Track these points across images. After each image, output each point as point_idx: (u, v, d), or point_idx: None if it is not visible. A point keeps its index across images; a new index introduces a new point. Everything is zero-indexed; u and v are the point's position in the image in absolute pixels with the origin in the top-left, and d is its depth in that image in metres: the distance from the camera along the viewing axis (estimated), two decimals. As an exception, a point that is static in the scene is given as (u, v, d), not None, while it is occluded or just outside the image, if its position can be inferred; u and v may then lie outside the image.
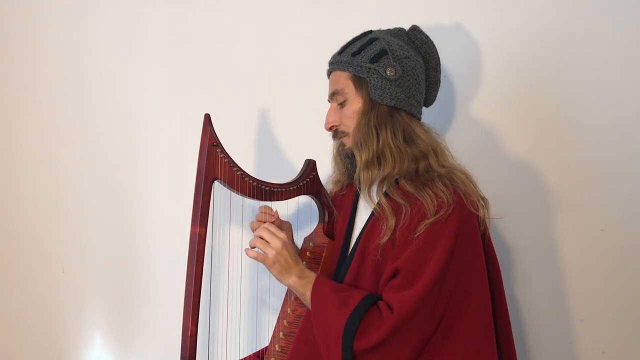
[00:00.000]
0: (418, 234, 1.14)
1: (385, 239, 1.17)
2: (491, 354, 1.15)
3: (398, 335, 1.09)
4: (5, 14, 2.00)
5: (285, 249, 1.21)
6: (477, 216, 1.18)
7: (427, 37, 1.33)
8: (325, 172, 1.43)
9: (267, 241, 1.22)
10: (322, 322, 1.15)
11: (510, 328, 1.27)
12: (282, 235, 1.22)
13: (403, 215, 1.17)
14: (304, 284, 1.21)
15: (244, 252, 1.22)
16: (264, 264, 1.22)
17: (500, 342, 1.23)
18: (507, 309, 1.27)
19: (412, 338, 1.10)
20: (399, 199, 1.19)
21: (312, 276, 1.22)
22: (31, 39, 1.98)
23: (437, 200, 1.15)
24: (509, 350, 1.26)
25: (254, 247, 1.23)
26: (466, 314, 1.14)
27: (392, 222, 1.18)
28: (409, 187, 1.19)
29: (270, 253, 1.21)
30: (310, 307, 1.19)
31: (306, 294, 1.20)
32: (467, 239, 1.16)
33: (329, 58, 1.34)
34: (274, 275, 1.23)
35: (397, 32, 1.34)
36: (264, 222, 1.30)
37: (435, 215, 1.14)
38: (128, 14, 1.88)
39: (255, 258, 1.22)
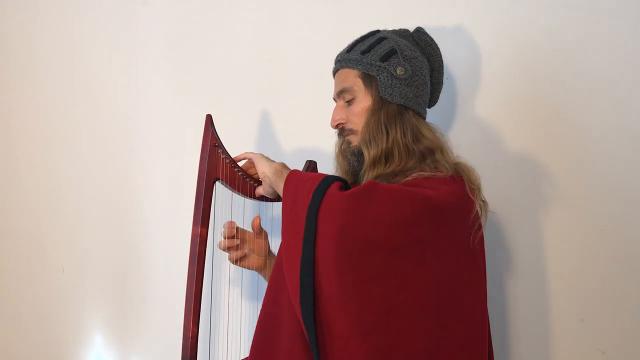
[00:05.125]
0: (409, 179, 1.15)
1: None
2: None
3: (369, 204, 1.05)
4: (3, 14, 2.00)
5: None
6: (474, 204, 1.15)
7: (432, 39, 1.34)
8: (326, 172, 1.43)
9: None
10: (299, 181, 1.15)
11: (487, 335, 1.21)
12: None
13: None
14: (287, 169, 1.24)
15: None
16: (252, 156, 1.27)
17: (472, 344, 1.16)
18: (486, 311, 1.21)
19: (380, 228, 1.05)
20: (396, 179, 1.20)
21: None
22: (30, 40, 1.98)
23: (436, 170, 1.17)
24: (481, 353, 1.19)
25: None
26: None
27: None
28: (408, 174, 1.20)
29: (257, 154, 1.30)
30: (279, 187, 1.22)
31: (284, 172, 1.22)
32: (457, 216, 1.13)
33: (330, 58, 1.34)
34: (260, 163, 1.26)
35: (402, 33, 1.34)
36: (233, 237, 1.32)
37: (432, 173, 1.15)
38: (127, 14, 1.88)
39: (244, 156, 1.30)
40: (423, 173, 1.15)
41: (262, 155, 1.29)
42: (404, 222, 1.06)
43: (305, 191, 1.09)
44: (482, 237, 1.21)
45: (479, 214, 1.19)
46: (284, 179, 1.19)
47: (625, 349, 1.42)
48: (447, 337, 1.09)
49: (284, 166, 1.25)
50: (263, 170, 1.25)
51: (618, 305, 1.43)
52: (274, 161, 1.27)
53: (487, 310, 1.22)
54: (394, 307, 1.04)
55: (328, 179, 1.10)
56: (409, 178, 1.16)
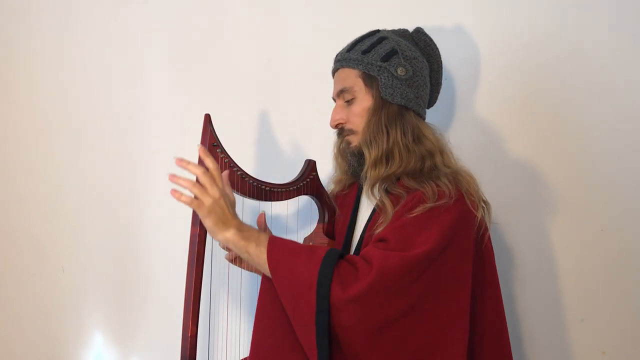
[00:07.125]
0: (414, 214, 1.12)
1: (380, 229, 1.16)
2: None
3: (378, 294, 1.05)
4: (3, 14, 2.00)
5: (222, 199, 1.11)
6: (475, 217, 1.17)
7: (431, 40, 1.34)
8: (326, 172, 1.43)
9: (205, 187, 1.11)
10: (289, 272, 1.09)
11: (506, 331, 1.25)
12: (220, 184, 1.13)
13: (400, 202, 1.17)
14: (246, 236, 1.12)
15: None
16: (197, 211, 1.12)
17: (491, 342, 1.22)
18: (503, 312, 1.26)
19: (393, 301, 1.07)
20: (399, 191, 1.19)
21: (252, 230, 1.15)
22: (29, 39, 1.98)
23: (438, 190, 1.15)
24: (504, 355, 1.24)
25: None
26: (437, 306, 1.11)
27: (390, 212, 1.17)
28: (411, 182, 1.19)
29: (207, 201, 1.10)
30: (256, 264, 1.13)
31: (249, 248, 1.12)
32: (461, 236, 1.15)
33: (330, 58, 1.34)
34: (209, 227, 1.12)
35: (402, 33, 1.34)
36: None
37: (434, 202, 1.13)
38: (127, 14, 1.88)
39: (189, 204, 1.10)
40: (427, 204, 1.13)
41: (211, 212, 1.11)
42: (412, 285, 1.08)
43: (304, 290, 1.06)
44: (489, 237, 1.23)
45: (484, 216, 1.19)
46: (258, 262, 1.12)
47: (625, 349, 1.42)
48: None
49: (242, 238, 1.12)
50: (216, 239, 1.15)
51: (618, 305, 1.43)
52: (226, 224, 1.12)
53: (501, 300, 1.26)
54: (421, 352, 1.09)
55: (324, 275, 1.05)
56: (414, 214, 1.12)
